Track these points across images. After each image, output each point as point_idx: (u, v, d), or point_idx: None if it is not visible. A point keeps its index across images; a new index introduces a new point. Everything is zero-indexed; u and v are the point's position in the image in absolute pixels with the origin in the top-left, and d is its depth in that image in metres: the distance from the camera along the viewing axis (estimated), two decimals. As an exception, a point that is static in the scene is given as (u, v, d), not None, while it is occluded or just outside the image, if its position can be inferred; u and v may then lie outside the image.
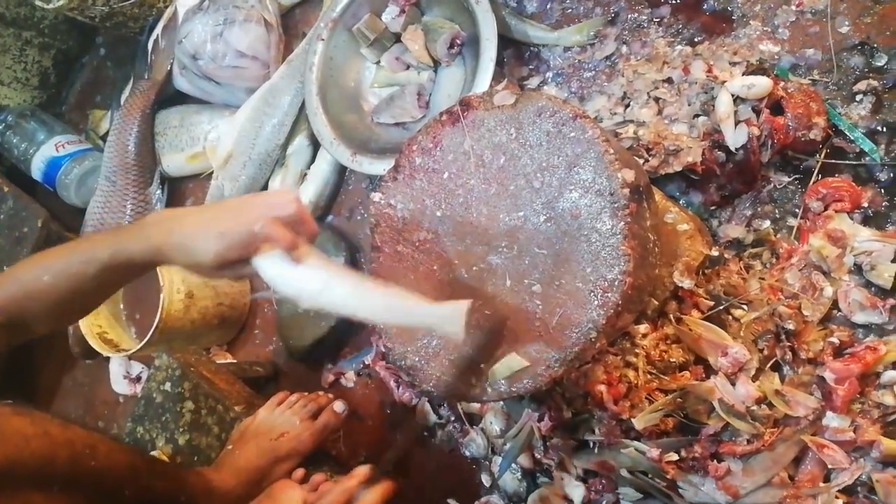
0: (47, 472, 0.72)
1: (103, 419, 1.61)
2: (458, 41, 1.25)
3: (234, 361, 1.43)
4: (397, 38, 1.35)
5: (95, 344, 1.34)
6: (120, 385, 1.57)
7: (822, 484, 0.87)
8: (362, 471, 0.84)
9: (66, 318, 1.20)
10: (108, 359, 1.57)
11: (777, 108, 0.98)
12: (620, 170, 0.75)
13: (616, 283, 0.75)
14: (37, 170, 1.68)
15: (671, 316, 0.94)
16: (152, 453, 1.16)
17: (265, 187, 1.46)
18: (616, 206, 0.75)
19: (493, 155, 0.85)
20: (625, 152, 0.83)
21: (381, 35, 1.33)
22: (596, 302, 0.75)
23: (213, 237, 0.74)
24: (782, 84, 0.99)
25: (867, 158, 0.96)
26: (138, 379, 1.55)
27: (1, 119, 1.74)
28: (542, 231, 0.80)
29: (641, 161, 0.99)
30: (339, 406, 1.18)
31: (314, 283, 0.74)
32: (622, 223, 0.74)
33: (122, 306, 1.46)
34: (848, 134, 0.97)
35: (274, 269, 0.75)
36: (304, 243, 0.77)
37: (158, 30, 1.61)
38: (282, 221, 0.75)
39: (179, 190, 1.64)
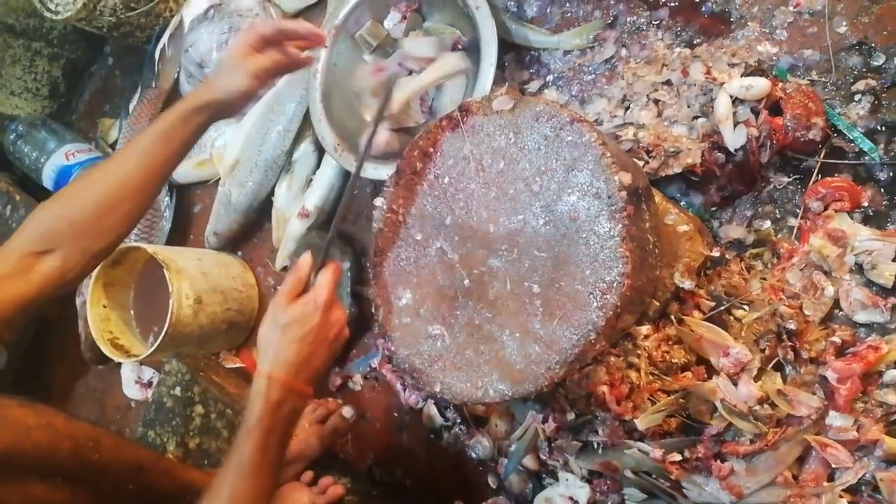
0: (49, 462, 0.73)
1: (115, 423, 1.63)
2: (460, 46, 1.26)
3: (244, 366, 1.45)
4: (399, 44, 1.36)
5: (107, 349, 1.36)
6: (131, 390, 1.59)
7: (825, 483, 0.88)
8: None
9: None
10: (119, 364, 1.60)
11: (776, 108, 0.99)
12: (618, 172, 0.76)
13: (614, 284, 0.75)
14: (48, 178, 1.70)
15: (673, 317, 0.95)
16: (163, 457, 1.18)
17: (272, 193, 1.47)
18: (613, 208, 0.76)
19: (492, 159, 0.86)
20: (623, 155, 0.83)
21: (383, 41, 1.34)
22: (595, 304, 0.76)
23: (235, 68, 0.92)
24: (781, 85, 0.99)
25: (866, 158, 0.97)
26: (149, 384, 1.57)
27: (12, 129, 1.76)
28: (542, 234, 0.81)
29: (641, 163, 0.99)
30: (347, 411, 1.19)
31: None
32: (619, 225, 0.75)
33: (132, 312, 1.48)
34: (847, 133, 0.98)
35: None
36: None
37: (165, 39, 1.63)
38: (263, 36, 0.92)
39: (188, 196, 1.66)
